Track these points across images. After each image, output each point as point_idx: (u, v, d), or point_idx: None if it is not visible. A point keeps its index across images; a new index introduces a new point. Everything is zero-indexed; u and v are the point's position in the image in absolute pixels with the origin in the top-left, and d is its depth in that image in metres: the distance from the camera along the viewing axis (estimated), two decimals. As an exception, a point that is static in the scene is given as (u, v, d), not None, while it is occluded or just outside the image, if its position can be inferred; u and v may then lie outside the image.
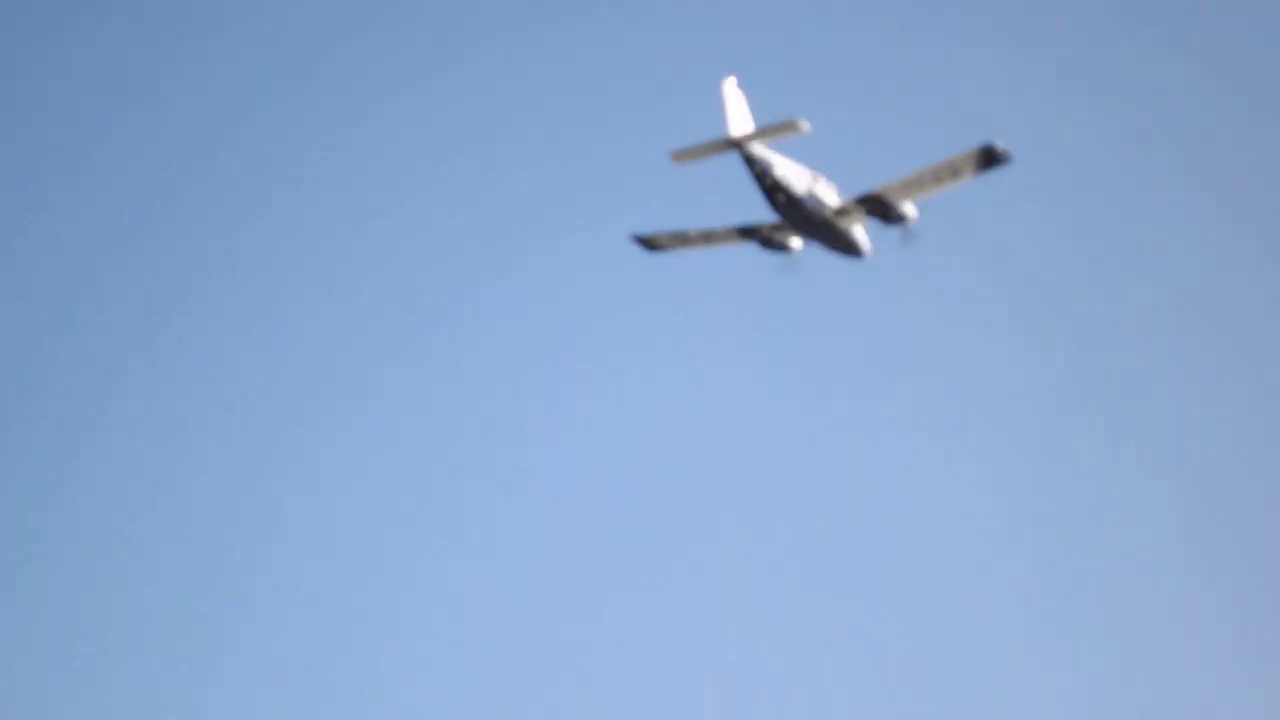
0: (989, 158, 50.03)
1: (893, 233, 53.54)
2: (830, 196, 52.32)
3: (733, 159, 50.33)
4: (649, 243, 55.04)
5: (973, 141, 50.06)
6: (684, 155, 49.84)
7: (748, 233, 53.58)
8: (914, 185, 51.01)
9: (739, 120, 49.91)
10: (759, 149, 50.01)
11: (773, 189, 50.78)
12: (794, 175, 51.13)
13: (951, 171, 50.45)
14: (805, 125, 48.44)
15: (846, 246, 54.05)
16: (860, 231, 53.83)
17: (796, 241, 54.06)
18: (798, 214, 51.61)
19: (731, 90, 49.87)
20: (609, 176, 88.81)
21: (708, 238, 54.21)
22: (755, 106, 51.31)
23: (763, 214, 52.72)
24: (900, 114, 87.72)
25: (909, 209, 52.40)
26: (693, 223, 54.13)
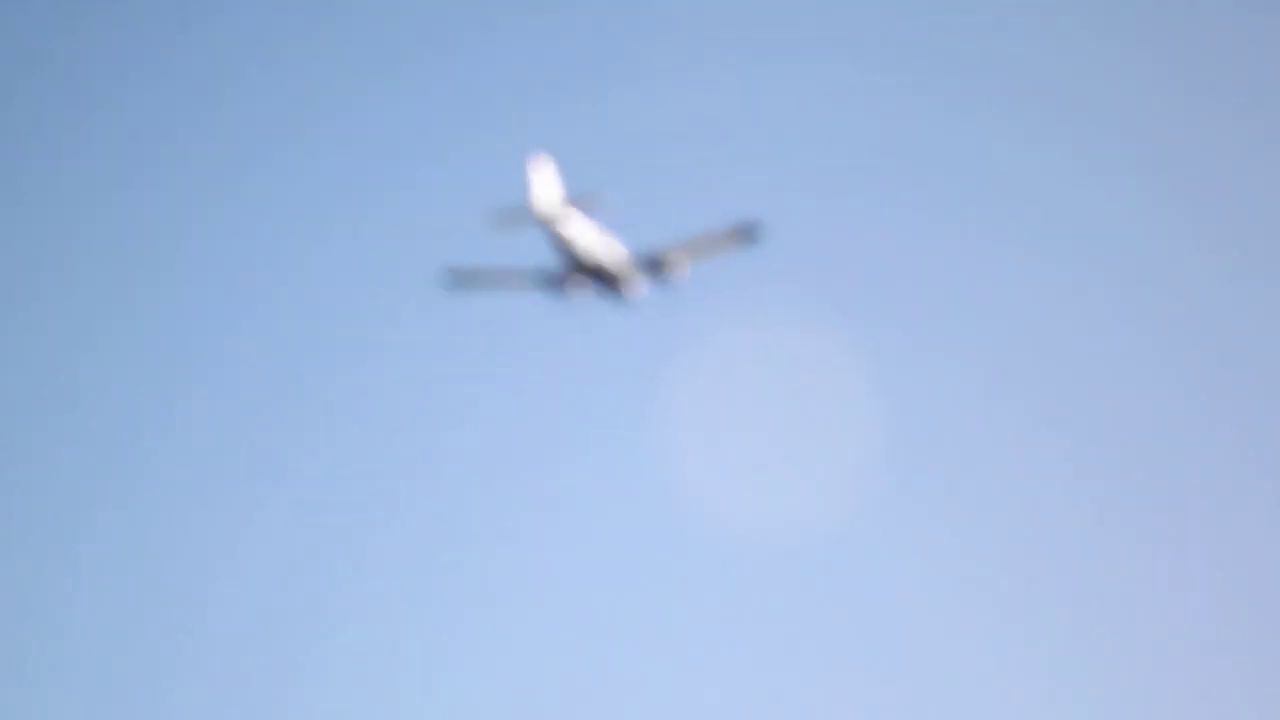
0: (744, 234, 61.02)
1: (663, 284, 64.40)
2: (616, 255, 62.89)
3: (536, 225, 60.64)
4: (458, 279, 64.73)
5: (736, 218, 61.06)
6: (496, 220, 59.98)
7: (545, 279, 63.85)
8: (684, 251, 61.84)
9: (544, 196, 60.00)
10: (560, 225, 60.20)
11: (569, 252, 61.22)
12: (589, 243, 61.58)
13: (713, 243, 61.33)
14: (600, 200, 58.97)
15: (621, 293, 64.56)
16: (636, 283, 64.45)
17: (582, 287, 64.47)
18: (588, 269, 62.17)
19: (540, 167, 59.98)
20: (420, 226, 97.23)
21: (510, 279, 64.11)
22: (572, 164, 61.63)
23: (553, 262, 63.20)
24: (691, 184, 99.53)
25: (678, 269, 63.17)
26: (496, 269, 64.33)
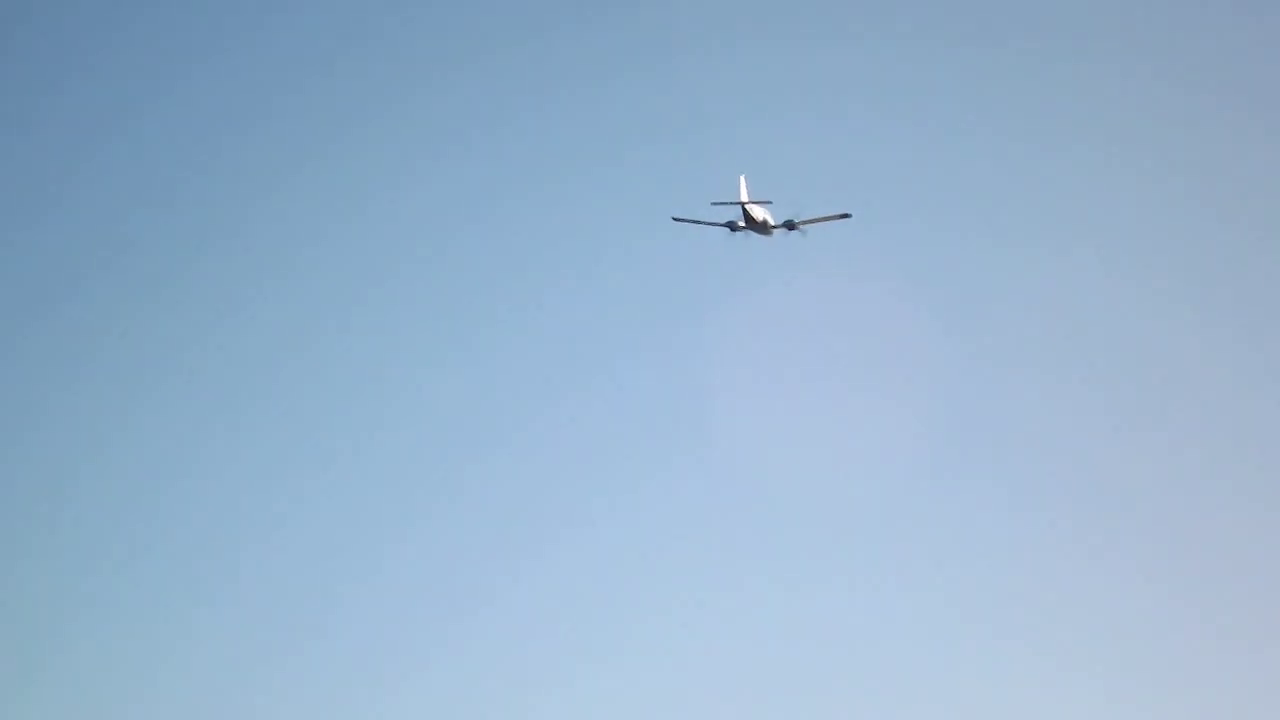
0: (842, 216, 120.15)
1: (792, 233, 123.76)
2: (770, 216, 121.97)
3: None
4: (682, 220, 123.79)
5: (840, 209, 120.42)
6: (723, 201, 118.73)
7: (733, 226, 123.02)
8: (806, 220, 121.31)
9: (743, 192, 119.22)
10: (749, 207, 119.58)
11: (749, 217, 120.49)
12: (760, 211, 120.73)
13: (825, 218, 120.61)
14: (767, 206, 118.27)
15: (768, 233, 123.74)
16: (778, 232, 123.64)
17: (749, 230, 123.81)
18: (756, 225, 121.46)
19: (743, 182, 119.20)
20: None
21: (715, 222, 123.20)
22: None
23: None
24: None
25: (804, 226, 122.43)
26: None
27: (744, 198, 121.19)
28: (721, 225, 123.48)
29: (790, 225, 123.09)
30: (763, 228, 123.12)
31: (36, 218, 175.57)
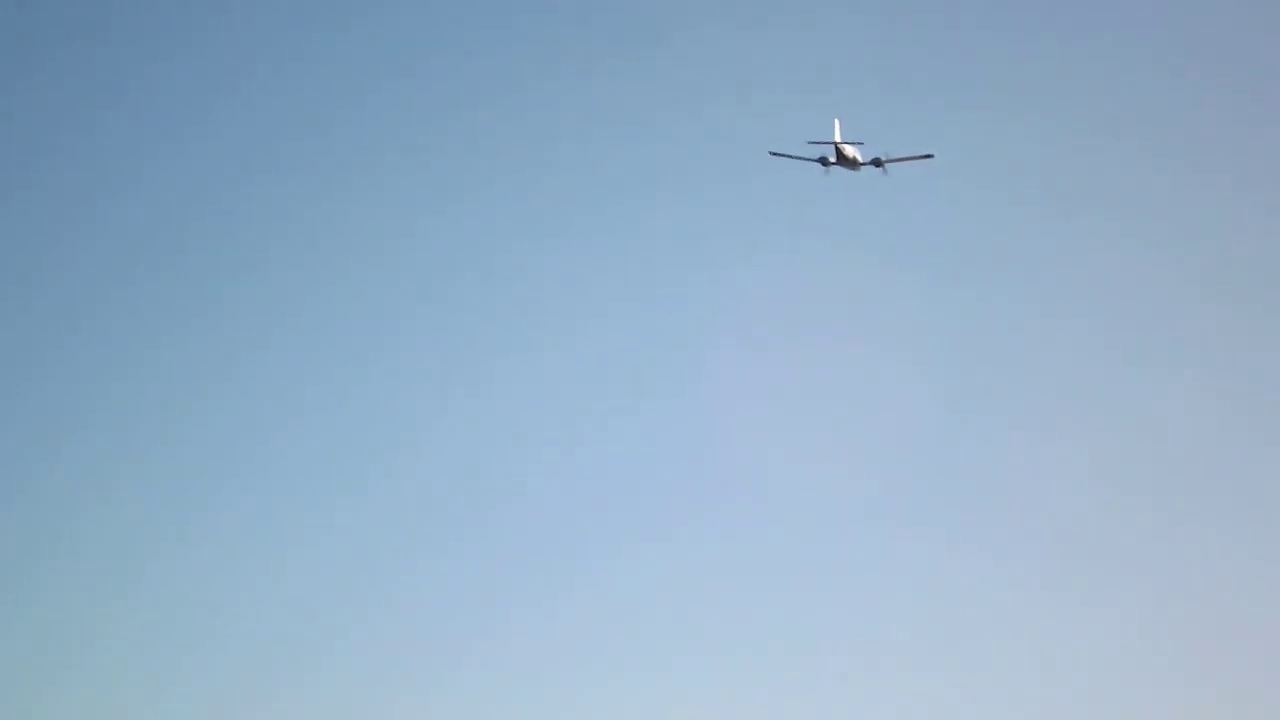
0: (925, 156, 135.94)
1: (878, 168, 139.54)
2: (860, 155, 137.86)
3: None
4: (779, 154, 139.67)
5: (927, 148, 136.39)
6: (816, 142, 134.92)
7: (825, 161, 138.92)
8: (893, 159, 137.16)
9: (836, 133, 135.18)
10: (841, 145, 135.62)
11: (841, 154, 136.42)
12: (850, 149, 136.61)
13: (909, 158, 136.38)
14: (858, 146, 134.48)
15: (857, 169, 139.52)
16: (865, 167, 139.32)
17: (841, 166, 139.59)
18: (847, 162, 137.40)
19: (837, 124, 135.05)
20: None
21: (810, 157, 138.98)
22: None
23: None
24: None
25: (887, 164, 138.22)
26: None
27: (837, 138, 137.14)
28: (815, 161, 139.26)
29: (877, 162, 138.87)
30: (853, 164, 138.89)
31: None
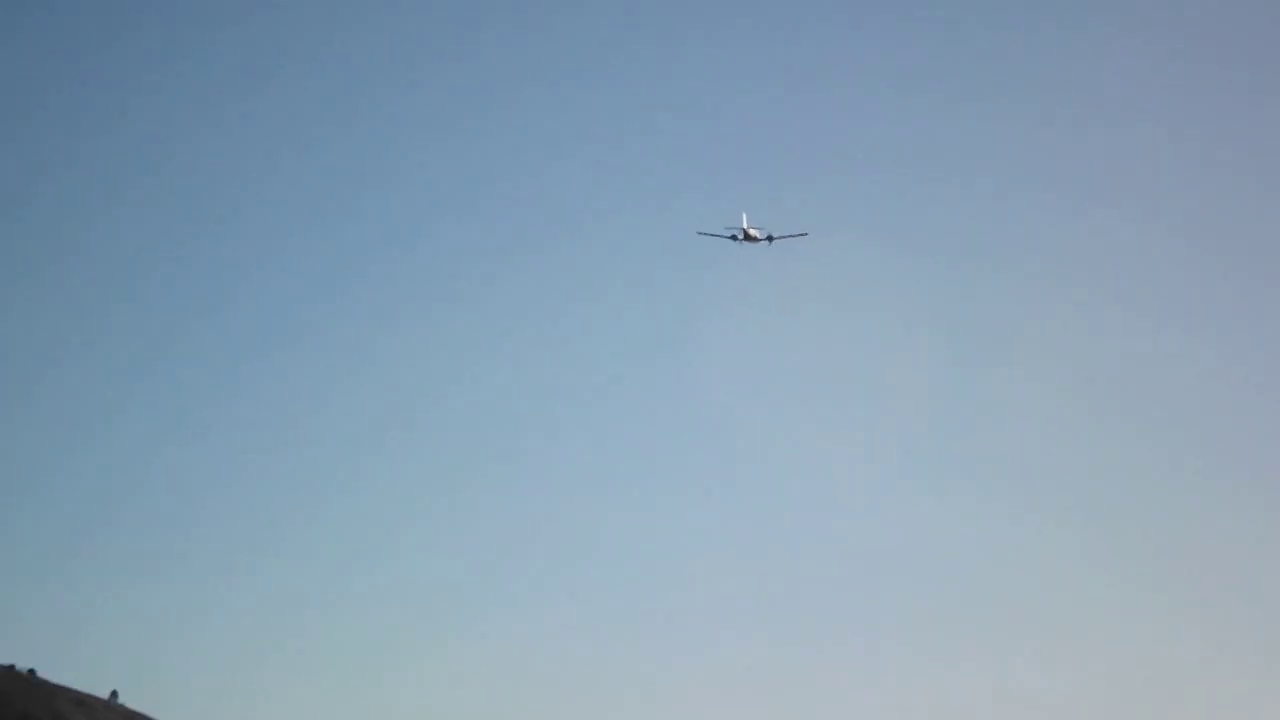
0: (801, 234, 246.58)
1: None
2: (758, 233, 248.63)
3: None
4: (705, 233, 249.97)
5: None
6: (727, 226, 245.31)
7: (735, 238, 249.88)
8: (779, 236, 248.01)
9: (745, 220, 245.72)
10: (749, 229, 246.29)
11: (747, 234, 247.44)
12: (754, 231, 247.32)
13: (790, 235, 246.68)
14: (758, 229, 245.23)
15: (756, 242, 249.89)
16: (762, 241, 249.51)
17: (747, 242, 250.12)
18: (750, 239, 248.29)
19: (746, 217, 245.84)
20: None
21: (721, 235, 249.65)
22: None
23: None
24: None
25: (775, 239, 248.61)
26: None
27: (744, 224, 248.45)
28: (729, 238, 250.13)
29: (770, 238, 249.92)
30: (754, 239, 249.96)
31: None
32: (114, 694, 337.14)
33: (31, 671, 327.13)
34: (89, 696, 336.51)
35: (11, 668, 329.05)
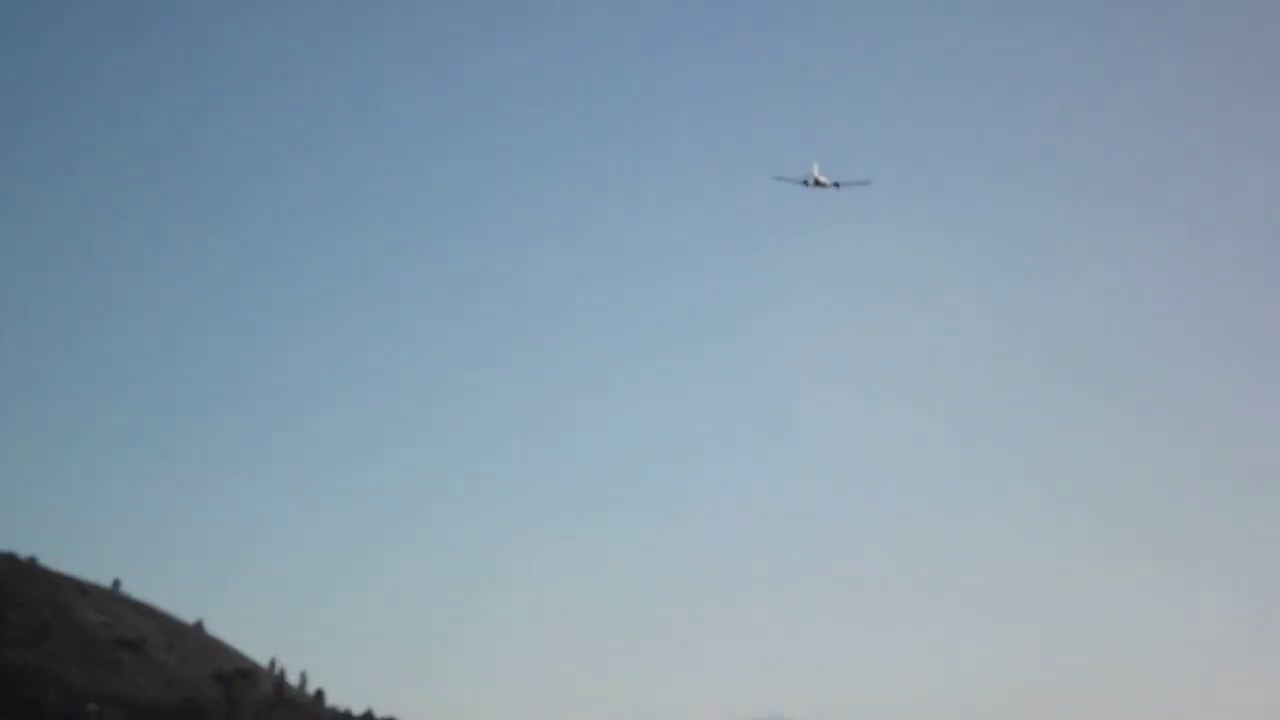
0: (863, 182, 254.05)
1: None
2: (826, 180, 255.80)
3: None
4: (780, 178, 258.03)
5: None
6: (783, 178, 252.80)
7: (805, 183, 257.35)
8: (845, 182, 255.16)
9: (815, 169, 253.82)
10: (818, 177, 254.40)
11: (816, 180, 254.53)
12: (822, 178, 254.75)
13: (854, 182, 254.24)
14: (826, 177, 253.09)
15: (825, 188, 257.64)
16: (833, 189, 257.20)
17: (816, 188, 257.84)
18: (820, 185, 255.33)
19: (815, 165, 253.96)
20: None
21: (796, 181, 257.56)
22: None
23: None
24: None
25: (841, 184, 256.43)
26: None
27: (815, 173, 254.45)
28: (801, 183, 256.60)
29: (836, 184, 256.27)
30: (822, 185, 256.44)
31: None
32: (116, 583, 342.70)
33: (33, 560, 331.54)
34: (92, 585, 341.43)
35: (12, 556, 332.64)
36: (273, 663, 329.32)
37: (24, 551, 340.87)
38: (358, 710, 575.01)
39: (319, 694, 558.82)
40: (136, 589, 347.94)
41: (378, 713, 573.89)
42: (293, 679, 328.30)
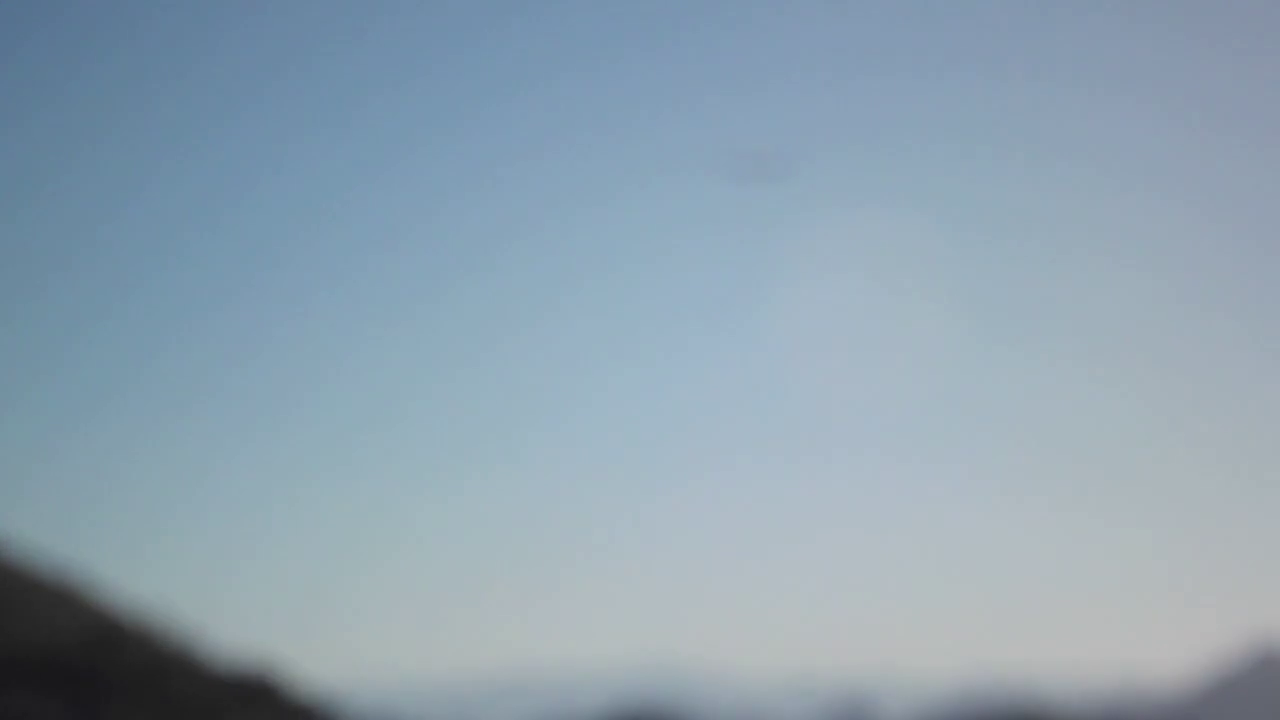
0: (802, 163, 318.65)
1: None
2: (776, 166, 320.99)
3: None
4: None
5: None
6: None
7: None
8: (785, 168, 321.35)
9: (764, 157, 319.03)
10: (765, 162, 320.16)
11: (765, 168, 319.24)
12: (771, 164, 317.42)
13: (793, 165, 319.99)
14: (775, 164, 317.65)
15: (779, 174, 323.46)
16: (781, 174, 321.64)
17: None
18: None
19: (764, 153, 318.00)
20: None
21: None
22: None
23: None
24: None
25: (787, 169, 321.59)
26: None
27: (763, 159, 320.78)
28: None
29: (784, 170, 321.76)
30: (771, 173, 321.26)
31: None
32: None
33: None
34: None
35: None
36: (149, 611, 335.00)
37: None
38: (240, 661, 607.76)
39: (195, 640, 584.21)
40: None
41: (260, 664, 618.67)
42: (170, 628, 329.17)
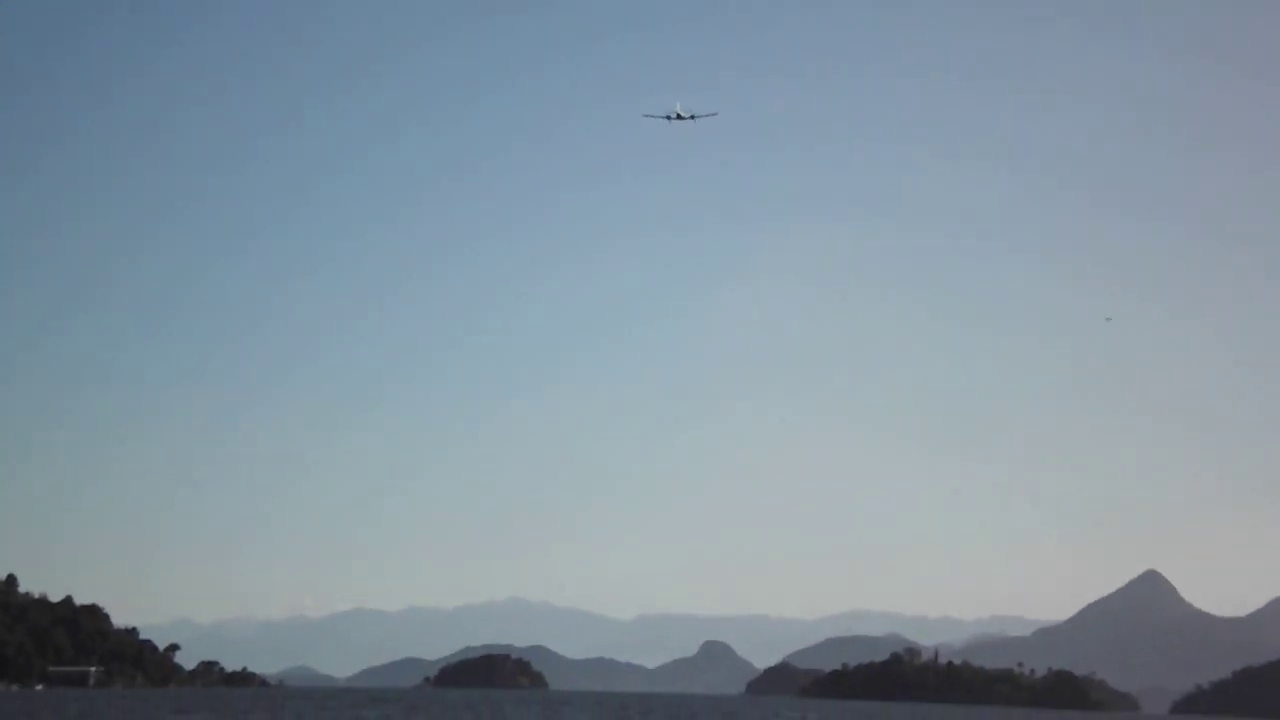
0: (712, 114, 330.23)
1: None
2: (683, 113, 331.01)
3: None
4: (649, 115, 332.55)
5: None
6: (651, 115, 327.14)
7: (668, 118, 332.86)
8: (697, 115, 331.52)
9: (678, 107, 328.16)
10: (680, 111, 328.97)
11: (678, 115, 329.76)
12: (683, 113, 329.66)
13: (706, 114, 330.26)
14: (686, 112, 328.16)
15: (684, 120, 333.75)
16: (687, 119, 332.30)
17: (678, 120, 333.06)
18: (681, 119, 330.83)
19: (679, 104, 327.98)
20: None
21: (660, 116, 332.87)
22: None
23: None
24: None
25: (696, 117, 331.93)
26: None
27: (678, 108, 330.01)
28: (665, 118, 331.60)
29: (693, 116, 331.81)
30: (680, 118, 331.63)
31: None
32: None
33: None
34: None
35: None
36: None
37: None
38: (55, 597, 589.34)
39: (9, 579, 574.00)
40: None
41: (78, 600, 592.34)
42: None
